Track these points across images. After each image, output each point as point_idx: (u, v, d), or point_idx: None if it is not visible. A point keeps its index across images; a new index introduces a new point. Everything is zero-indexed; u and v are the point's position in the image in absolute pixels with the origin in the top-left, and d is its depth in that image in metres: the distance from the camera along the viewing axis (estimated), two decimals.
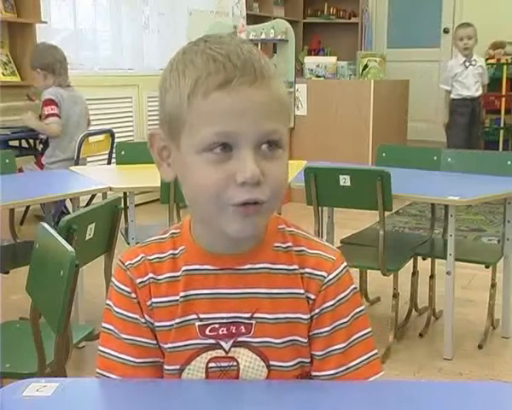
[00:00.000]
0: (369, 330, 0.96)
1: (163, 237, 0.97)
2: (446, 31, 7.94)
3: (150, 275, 0.94)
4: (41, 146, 4.14)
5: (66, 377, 1.57)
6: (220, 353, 0.93)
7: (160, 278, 0.94)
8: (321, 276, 0.93)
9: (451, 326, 2.69)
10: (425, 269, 3.11)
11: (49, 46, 4.03)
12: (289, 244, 0.95)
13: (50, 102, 3.85)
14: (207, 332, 0.92)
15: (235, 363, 0.93)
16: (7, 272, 2.66)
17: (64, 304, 1.48)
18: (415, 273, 3.06)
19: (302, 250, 0.95)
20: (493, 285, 2.92)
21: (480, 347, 2.79)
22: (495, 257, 2.86)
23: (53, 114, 3.84)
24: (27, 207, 4.22)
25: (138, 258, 0.95)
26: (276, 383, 0.93)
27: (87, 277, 2.69)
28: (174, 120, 0.87)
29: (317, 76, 5.52)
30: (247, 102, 0.83)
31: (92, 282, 2.75)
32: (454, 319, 2.71)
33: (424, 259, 3.11)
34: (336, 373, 0.93)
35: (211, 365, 0.93)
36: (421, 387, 1.00)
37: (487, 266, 2.85)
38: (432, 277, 3.11)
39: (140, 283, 0.93)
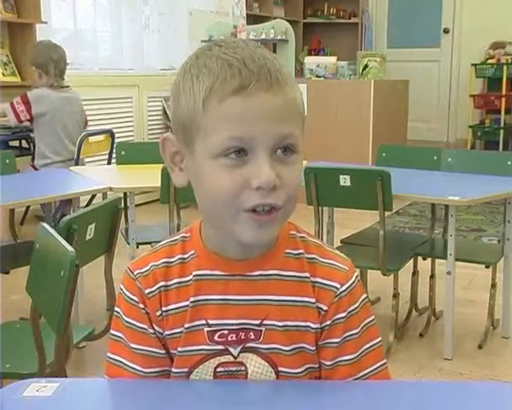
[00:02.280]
0: (378, 339, 0.95)
1: (174, 239, 0.96)
2: (446, 31, 7.94)
3: (161, 283, 0.93)
4: (33, 148, 4.10)
5: (66, 377, 1.57)
6: (229, 358, 0.92)
7: (169, 284, 0.93)
8: (334, 287, 0.92)
9: (452, 326, 2.69)
10: (425, 269, 3.11)
11: (49, 45, 3.99)
12: (301, 251, 0.94)
13: (24, 99, 3.81)
14: (216, 338, 0.92)
15: (243, 368, 0.93)
16: (7, 272, 2.66)
17: (64, 304, 1.48)
18: (415, 273, 3.06)
19: (314, 258, 0.94)
20: (493, 285, 2.92)
21: (480, 347, 2.79)
22: (495, 257, 2.85)
23: (12, 107, 3.79)
24: (27, 207, 4.22)
25: (147, 267, 0.94)
26: (280, 383, 0.93)
27: (87, 277, 2.69)
28: (188, 125, 0.86)
29: (317, 76, 5.52)
30: (263, 107, 0.82)
31: (92, 282, 2.75)
32: (454, 319, 2.71)
33: (424, 259, 3.10)
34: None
35: (219, 369, 0.93)
36: (422, 387, 1.00)
37: (487, 266, 2.85)
38: (432, 277, 3.10)
39: (149, 293, 0.93)
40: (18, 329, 2.00)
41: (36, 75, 3.91)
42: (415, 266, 3.05)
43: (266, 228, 0.85)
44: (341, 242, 2.99)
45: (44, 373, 1.65)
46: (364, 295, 0.95)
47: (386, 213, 2.66)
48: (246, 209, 0.84)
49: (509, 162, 2.94)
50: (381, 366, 0.95)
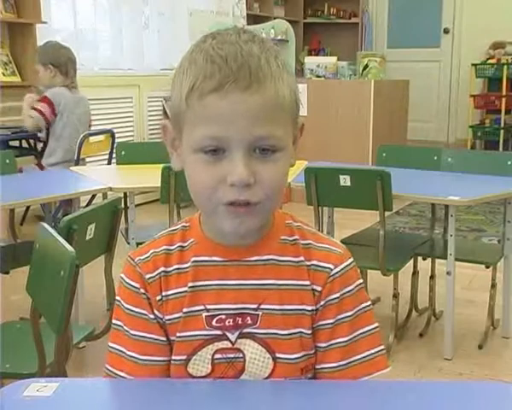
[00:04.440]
0: (374, 326, 0.96)
1: (174, 228, 0.99)
2: (446, 31, 7.94)
3: (161, 269, 0.95)
4: (41, 145, 4.09)
5: (66, 377, 1.56)
6: (226, 344, 0.93)
7: (169, 269, 0.95)
8: (327, 268, 0.95)
9: (452, 326, 2.69)
10: (425, 269, 3.11)
11: (62, 45, 4.01)
12: (296, 237, 0.96)
13: (47, 100, 3.81)
14: (214, 323, 0.93)
15: (241, 355, 0.94)
16: (7, 272, 2.65)
17: (64, 304, 1.48)
18: (415, 273, 3.06)
19: (309, 244, 0.96)
20: (493, 285, 2.92)
21: (480, 347, 2.79)
22: (495, 257, 2.85)
23: (40, 111, 3.80)
24: (27, 207, 4.22)
25: (148, 254, 0.96)
26: (278, 382, 0.93)
27: (87, 277, 2.69)
28: (177, 117, 0.89)
29: (318, 76, 5.52)
30: (239, 107, 0.83)
31: (92, 282, 2.75)
32: (454, 319, 2.71)
33: (424, 259, 3.10)
34: (338, 366, 0.94)
35: (217, 356, 0.94)
36: (421, 387, 1.00)
37: (487, 267, 2.85)
38: (432, 277, 3.10)
39: (149, 278, 0.94)
40: (18, 329, 2.00)
41: (48, 74, 3.86)
42: (415, 266, 3.05)
43: (244, 219, 0.87)
44: (341, 242, 2.94)
45: (44, 373, 1.65)
46: (360, 281, 0.97)
47: (387, 214, 2.66)
48: (224, 203, 0.86)
49: (509, 162, 2.94)
50: (379, 351, 0.96)
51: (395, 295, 2.79)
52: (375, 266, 2.67)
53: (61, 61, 3.85)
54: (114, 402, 0.94)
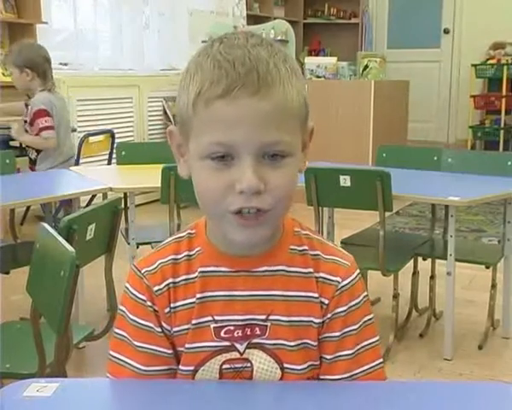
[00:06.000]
0: (376, 338, 0.96)
1: (180, 236, 0.97)
2: (447, 31, 7.94)
3: (169, 280, 0.93)
4: (34, 154, 3.80)
5: (66, 377, 1.57)
6: (235, 355, 0.93)
7: (177, 280, 0.93)
8: (335, 281, 0.94)
9: (452, 326, 2.69)
10: (425, 269, 3.11)
11: (37, 45, 3.85)
12: (305, 247, 0.95)
13: (44, 113, 3.60)
14: (222, 334, 0.92)
15: (249, 364, 0.93)
16: (7, 273, 2.66)
17: (64, 304, 1.48)
18: (415, 274, 3.06)
19: (317, 255, 0.95)
20: (493, 286, 2.91)
21: (480, 347, 2.79)
22: (495, 257, 2.85)
23: (48, 127, 3.63)
24: (27, 207, 4.22)
25: (155, 265, 0.94)
26: (281, 383, 0.93)
27: (87, 277, 2.69)
28: (184, 123, 0.88)
29: (318, 76, 5.52)
30: (247, 112, 0.82)
31: (92, 282, 2.75)
32: (454, 319, 2.71)
33: (424, 259, 3.10)
34: (343, 379, 0.94)
35: (225, 366, 0.93)
36: (422, 387, 1.00)
37: (487, 267, 2.85)
38: (432, 277, 3.10)
39: (157, 290, 0.93)
40: (18, 329, 2.00)
41: (24, 78, 3.64)
42: (415, 266, 3.05)
43: (255, 229, 0.86)
44: (341, 242, 2.98)
45: (44, 373, 1.65)
46: (365, 293, 0.96)
47: (387, 214, 2.66)
48: (231, 211, 0.84)
49: (509, 163, 2.94)
50: (379, 364, 0.96)
51: (395, 296, 2.79)
52: (375, 266, 2.67)
53: (38, 63, 3.62)
54: (114, 402, 0.94)
